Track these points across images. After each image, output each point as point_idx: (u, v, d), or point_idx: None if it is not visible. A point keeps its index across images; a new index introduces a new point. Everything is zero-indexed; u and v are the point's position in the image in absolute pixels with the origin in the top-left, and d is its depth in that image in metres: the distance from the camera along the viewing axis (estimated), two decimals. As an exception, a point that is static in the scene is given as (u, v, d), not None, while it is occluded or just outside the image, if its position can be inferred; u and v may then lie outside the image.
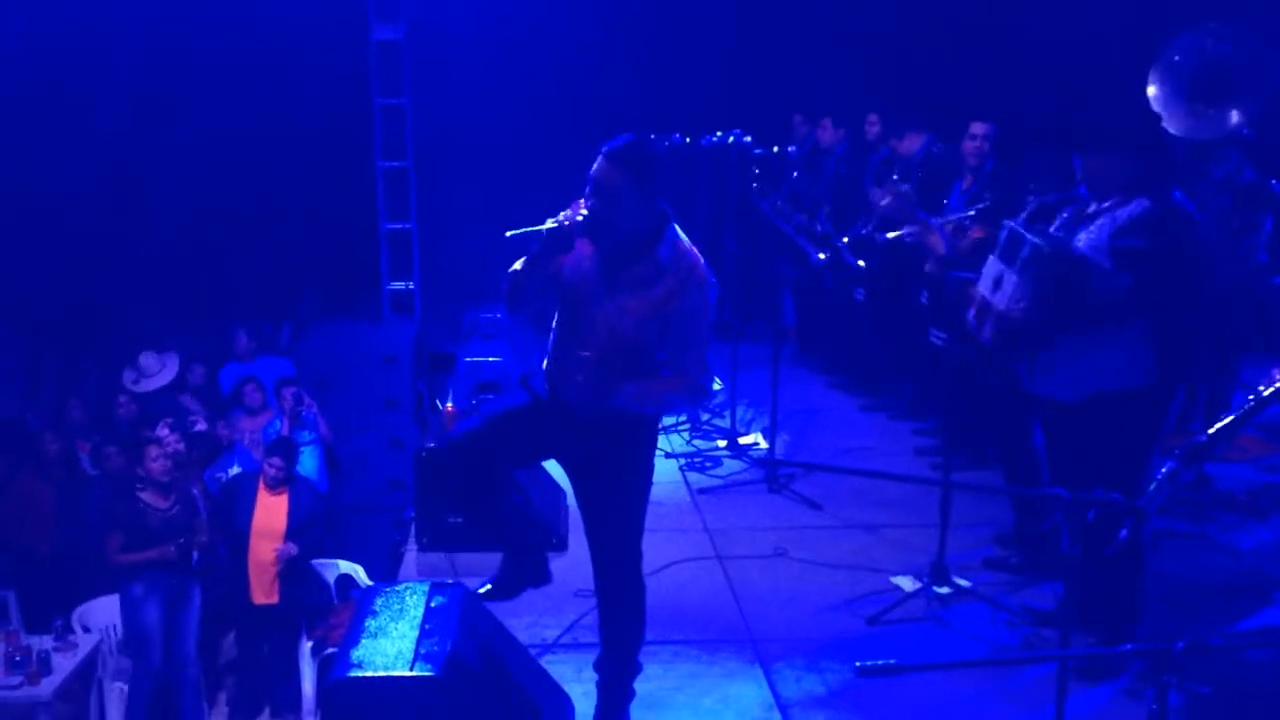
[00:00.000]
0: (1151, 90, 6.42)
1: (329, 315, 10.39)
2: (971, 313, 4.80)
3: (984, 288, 4.74)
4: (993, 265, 4.72)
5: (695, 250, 3.77)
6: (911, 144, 7.59)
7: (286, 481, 7.16)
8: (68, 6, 9.31)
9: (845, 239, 7.37)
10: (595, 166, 3.69)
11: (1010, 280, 4.55)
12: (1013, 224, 4.70)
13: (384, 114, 9.84)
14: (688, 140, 7.72)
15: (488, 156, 10.03)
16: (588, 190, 3.70)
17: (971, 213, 6.40)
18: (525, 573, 4.14)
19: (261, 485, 7.15)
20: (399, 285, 10.19)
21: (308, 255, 10.28)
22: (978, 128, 6.80)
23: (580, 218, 3.66)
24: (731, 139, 7.32)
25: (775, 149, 7.71)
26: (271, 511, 7.12)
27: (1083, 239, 4.49)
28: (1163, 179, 4.51)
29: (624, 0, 10.00)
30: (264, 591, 7.06)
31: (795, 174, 8.08)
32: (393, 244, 10.08)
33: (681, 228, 3.80)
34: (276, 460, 7.18)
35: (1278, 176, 6.75)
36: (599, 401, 3.76)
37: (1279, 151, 6.79)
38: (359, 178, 9.92)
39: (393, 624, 3.86)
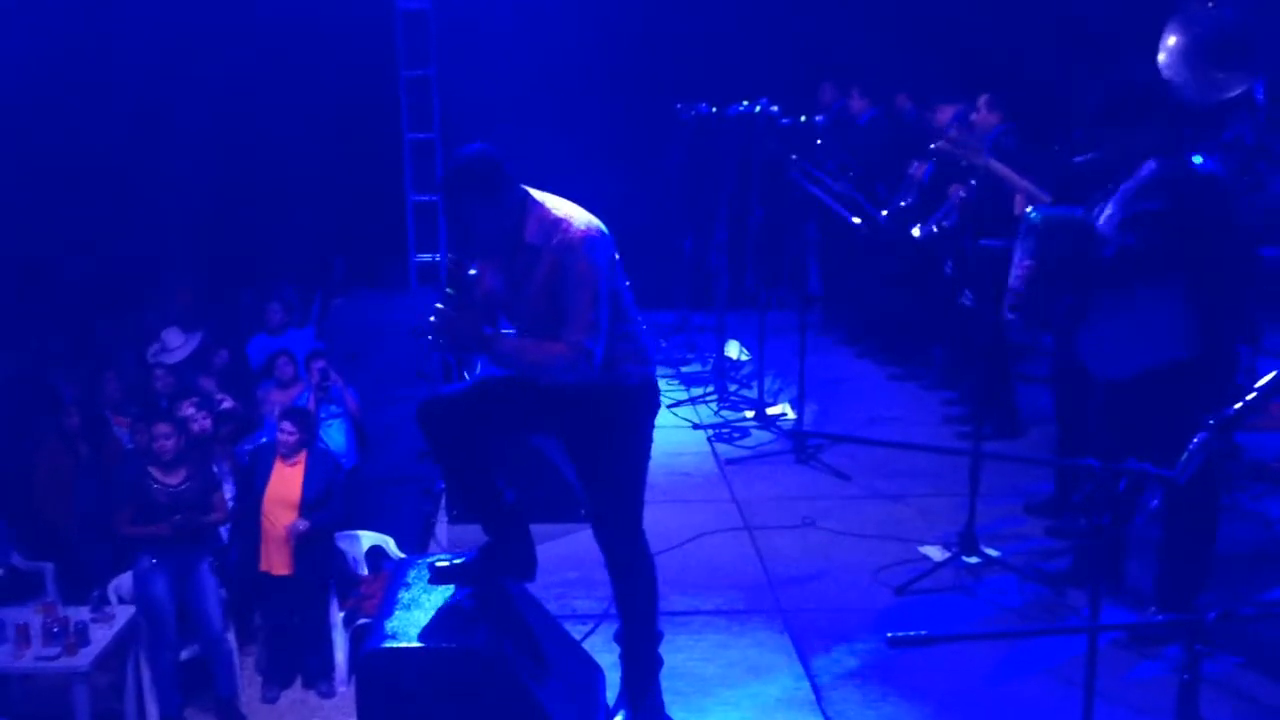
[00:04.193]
0: (1162, 56, 6.38)
1: (356, 287, 10.43)
2: (1007, 297, 4.83)
3: (1012, 271, 4.77)
4: (1017, 249, 4.75)
5: (571, 216, 3.72)
6: (944, 115, 7.54)
7: (300, 447, 7.15)
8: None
9: (885, 212, 7.33)
10: (440, 199, 3.75)
11: (1017, 256, 4.61)
12: (1031, 209, 4.76)
13: (410, 85, 9.82)
14: (714, 109, 7.70)
15: (515, 127, 10.00)
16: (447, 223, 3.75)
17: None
18: (504, 562, 4.02)
19: (277, 457, 7.14)
20: (425, 257, 10.21)
21: (335, 227, 10.32)
22: (981, 99, 6.84)
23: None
24: (758, 108, 7.29)
25: (803, 118, 7.68)
26: (287, 482, 7.11)
27: (1108, 211, 4.50)
28: (1175, 143, 4.49)
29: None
30: (280, 563, 7.07)
31: (819, 141, 8.03)
32: (419, 215, 10.09)
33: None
34: (288, 425, 7.14)
35: None
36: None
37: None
38: (386, 149, 9.92)
39: (426, 596, 3.90)
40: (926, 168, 7.26)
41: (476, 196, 3.66)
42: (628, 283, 3.89)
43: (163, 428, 6.77)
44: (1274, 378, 3.66)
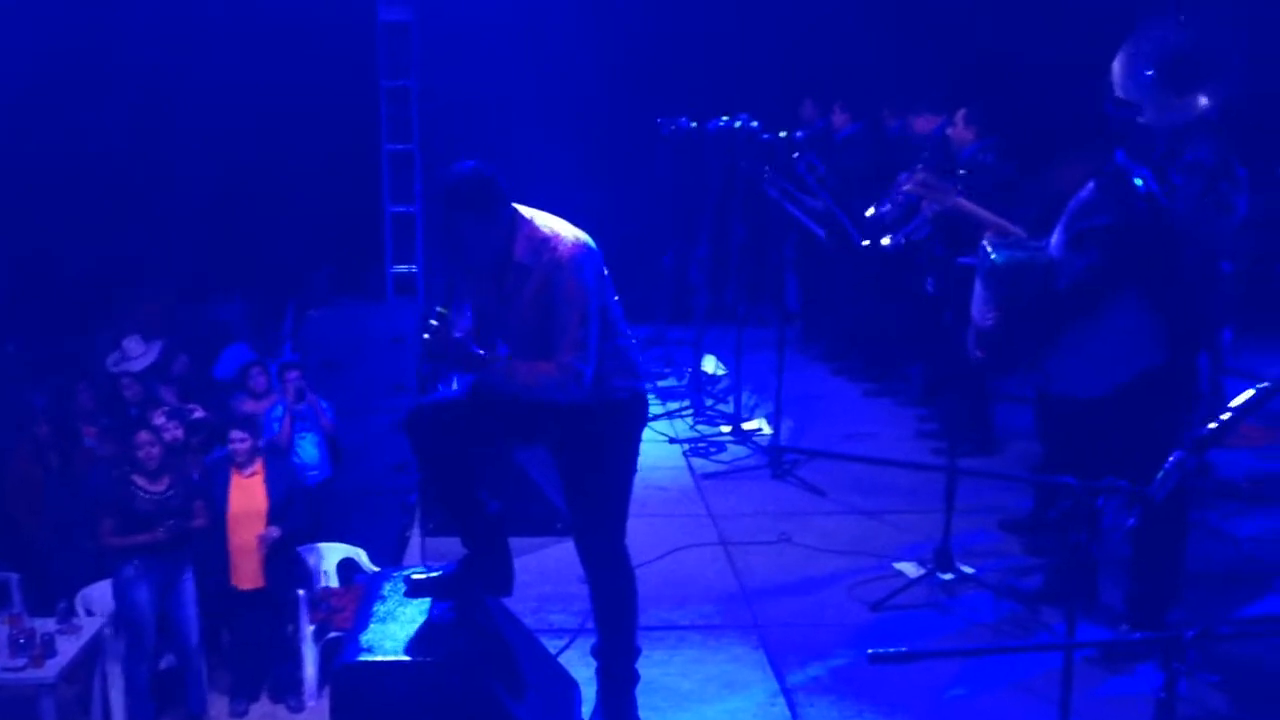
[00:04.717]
0: (1117, 80, 6.44)
1: (333, 297, 10.38)
2: (970, 331, 4.87)
3: (974, 305, 4.81)
4: (977, 281, 4.79)
5: (559, 233, 3.72)
6: (924, 125, 7.58)
7: (254, 454, 7.10)
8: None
9: (869, 212, 7.33)
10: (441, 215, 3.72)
11: (980, 293, 4.65)
12: (988, 240, 4.79)
13: (390, 96, 9.81)
14: (695, 124, 7.71)
15: (494, 140, 10.00)
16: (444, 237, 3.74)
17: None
18: (482, 576, 3.99)
19: (233, 469, 7.08)
20: (403, 268, 10.18)
21: (312, 237, 10.27)
22: (957, 115, 6.90)
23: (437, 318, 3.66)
24: (739, 123, 7.30)
25: (783, 134, 7.70)
26: (249, 493, 7.04)
27: (1055, 238, 4.59)
28: (1110, 160, 4.60)
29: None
30: (248, 576, 7.00)
31: (796, 155, 8.02)
32: (397, 226, 10.07)
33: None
34: (238, 434, 7.10)
35: (1244, 158, 6.77)
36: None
37: (1248, 133, 6.82)
38: (364, 160, 9.91)
39: (401, 609, 3.87)
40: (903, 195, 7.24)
41: (471, 213, 3.65)
42: (617, 297, 3.89)
43: (145, 435, 6.73)
44: (1250, 397, 3.69)
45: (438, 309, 3.68)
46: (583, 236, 3.75)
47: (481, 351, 3.76)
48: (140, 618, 6.50)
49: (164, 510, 6.62)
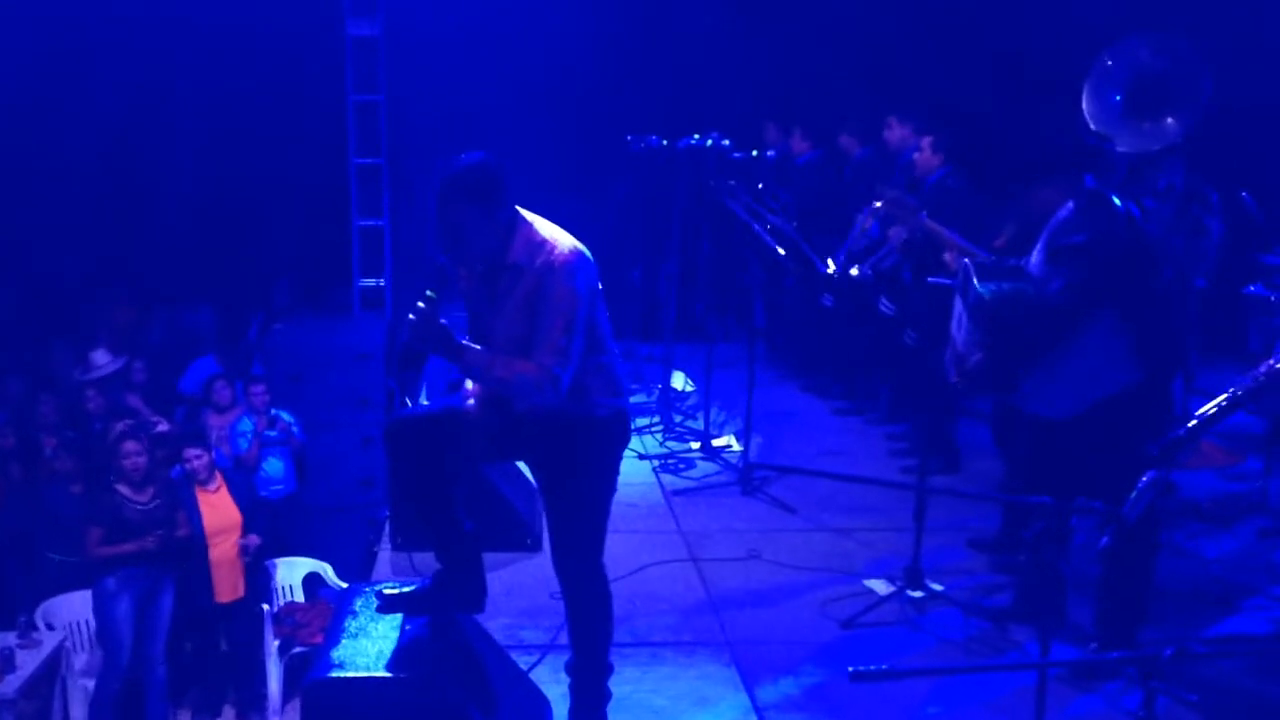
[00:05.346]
0: (1087, 107, 6.51)
1: (300, 311, 10.32)
2: (948, 352, 4.88)
3: (954, 326, 4.82)
4: (957, 302, 4.80)
5: (556, 239, 3.71)
6: (894, 133, 7.63)
7: (213, 468, 7.08)
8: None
9: (831, 267, 7.38)
10: (436, 201, 3.65)
11: (965, 324, 4.65)
12: (968, 261, 4.80)
13: (359, 110, 9.78)
14: (665, 142, 7.72)
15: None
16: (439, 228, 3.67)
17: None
18: (455, 592, 3.96)
19: (196, 486, 7.03)
20: (370, 282, 10.13)
21: (279, 250, 10.21)
22: (924, 141, 6.94)
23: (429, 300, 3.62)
24: (709, 142, 7.33)
25: (755, 153, 7.73)
26: (219, 508, 7.04)
27: (1034, 258, 4.62)
28: (1086, 181, 4.67)
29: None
30: (230, 588, 6.99)
31: (760, 185, 8.04)
32: (365, 240, 10.03)
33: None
34: (193, 450, 7.08)
35: (1216, 182, 6.86)
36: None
37: (1216, 158, 6.92)
38: (332, 173, 9.86)
39: (373, 624, 3.84)
40: (873, 223, 7.29)
41: (473, 205, 3.62)
42: (607, 314, 3.88)
43: (132, 445, 6.69)
44: (1217, 405, 3.74)
45: (427, 292, 3.63)
46: (580, 246, 3.74)
47: (461, 339, 3.71)
48: (118, 631, 6.44)
49: (151, 520, 6.59)
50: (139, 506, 6.62)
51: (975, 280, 4.60)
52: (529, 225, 3.73)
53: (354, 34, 9.64)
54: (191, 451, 7.08)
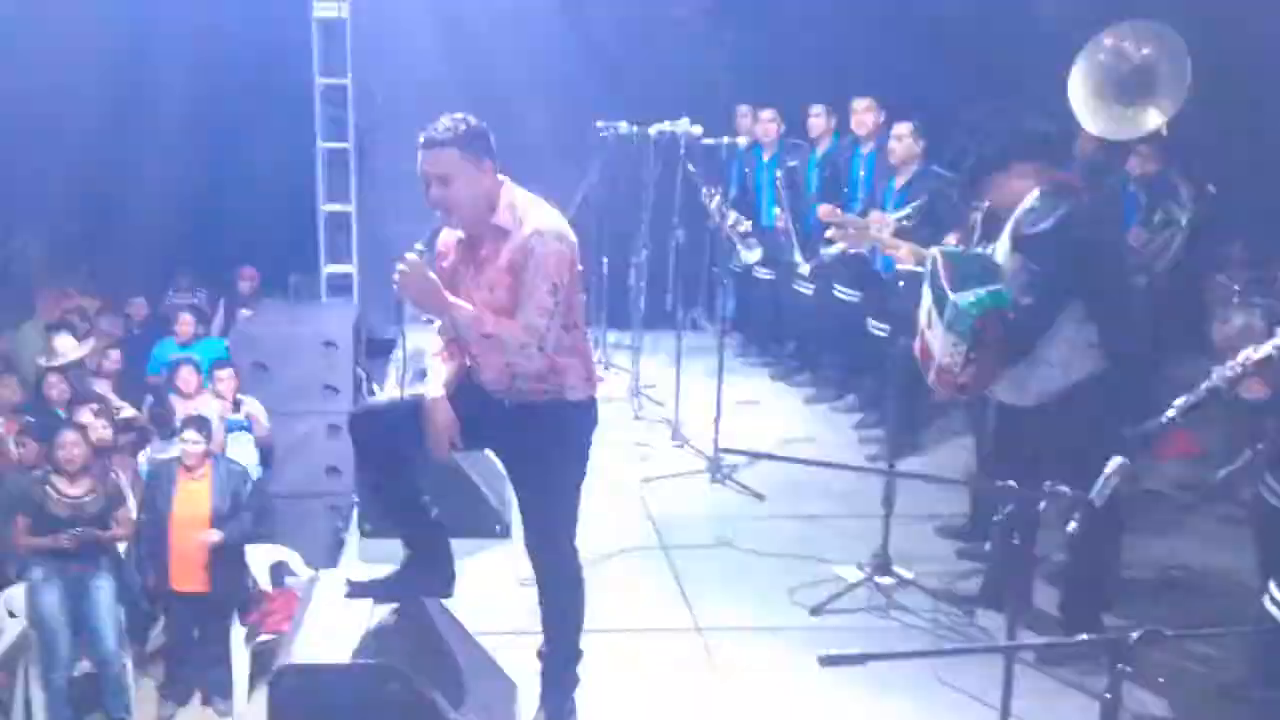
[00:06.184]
0: (1072, 92, 6.54)
1: (265, 297, 10.23)
2: (916, 342, 4.88)
3: (922, 318, 4.81)
4: (926, 294, 4.78)
5: (542, 205, 3.72)
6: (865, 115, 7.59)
7: (206, 457, 6.98)
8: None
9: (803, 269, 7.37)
10: (420, 158, 3.62)
11: (939, 329, 4.62)
12: (937, 254, 4.78)
13: (325, 93, 9.69)
14: (635, 128, 7.68)
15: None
16: (425, 186, 3.63)
17: (908, 211, 6.51)
18: (423, 578, 3.96)
19: (181, 470, 6.93)
20: (337, 268, 10.05)
21: (245, 235, 10.12)
22: (901, 128, 6.86)
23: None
24: (681, 127, 7.29)
25: (726, 140, 7.71)
26: (193, 498, 6.94)
27: (1005, 245, 4.62)
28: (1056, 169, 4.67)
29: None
30: (189, 579, 6.89)
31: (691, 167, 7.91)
32: (332, 226, 9.94)
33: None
34: (192, 434, 6.98)
35: (1191, 174, 6.90)
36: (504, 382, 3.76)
37: (1193, 149, 6.96)
38: (298, 158, 9.77)
39: (340, 612, 3.81)
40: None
41: (462, 151, 3.59)
42: (583, 296, 3.86)
43: (70, 435, 6.57)
44: (1189, 399, 3.77)
45: (416, 245, 3.60)
46: (564, 220, 3.74)
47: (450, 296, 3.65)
48: (50, 623, 6.35)
49: (78, 515, 6.47)
50: (68, 500, 6.50)
51: (950, 293, 4.56)
52: (514, 192, 3.73)
53: (321, 16, 9.55)
54: (191, 435, 6.97)
